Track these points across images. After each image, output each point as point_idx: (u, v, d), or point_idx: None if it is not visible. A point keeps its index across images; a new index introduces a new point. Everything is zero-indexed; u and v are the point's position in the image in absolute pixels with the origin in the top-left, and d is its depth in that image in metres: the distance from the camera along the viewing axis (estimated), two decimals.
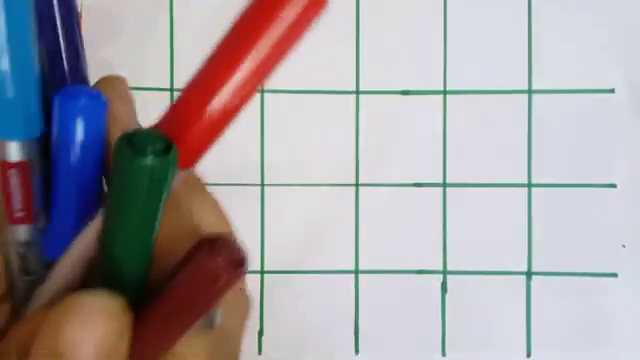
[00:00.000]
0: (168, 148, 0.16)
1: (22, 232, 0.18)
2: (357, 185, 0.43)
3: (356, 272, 0.43)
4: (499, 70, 0.43)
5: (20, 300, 0.20)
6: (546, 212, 0.43)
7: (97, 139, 0.19)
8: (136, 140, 0.15)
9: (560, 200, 0.43)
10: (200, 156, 0.18)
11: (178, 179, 0.18)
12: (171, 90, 0.43)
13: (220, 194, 0.43)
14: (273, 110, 0.43)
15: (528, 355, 0.42)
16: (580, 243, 0.43)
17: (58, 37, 0.20)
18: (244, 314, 0.24)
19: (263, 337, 0.42)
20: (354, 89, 0.43)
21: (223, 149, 0.43)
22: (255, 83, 0.17)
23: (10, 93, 0.15)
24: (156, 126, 0.18)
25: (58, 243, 0.18)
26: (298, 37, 0.18)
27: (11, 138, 0.16)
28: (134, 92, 0.43)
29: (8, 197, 0.17)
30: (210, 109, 0.17)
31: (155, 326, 0.18)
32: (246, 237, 0.35)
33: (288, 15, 0.16)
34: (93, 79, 0.43)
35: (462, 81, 0.43)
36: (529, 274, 0.43)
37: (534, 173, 0.43)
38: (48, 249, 0.19)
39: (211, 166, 0.44)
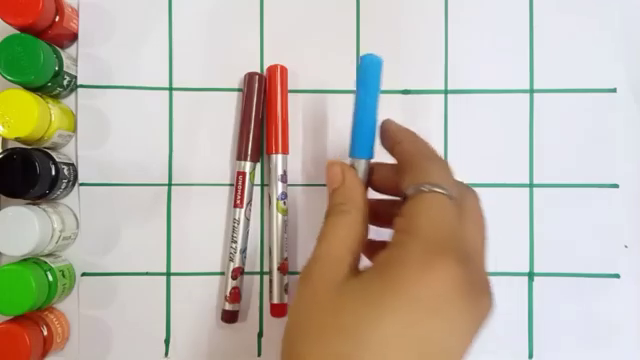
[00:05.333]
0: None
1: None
2: None
3: None
4: (500, 70, 0.43)
5: None
6: (548, 212, 0.42)
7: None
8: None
9: (562, 200, 0.42)
10: None
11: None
12: (170, 89, 0.43)
13: (223, 194, 0.43)
14: None
15: (530, 356, 0.42)
16: (582, 244, 0.42)
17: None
18: (484, 234, 0.31)
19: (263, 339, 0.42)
20: (354, 88, 0.43)
21: (223, 150, 0.43)
22: None
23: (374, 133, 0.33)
24: None
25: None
26: None
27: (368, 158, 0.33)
28: (133, 91, 0.43)
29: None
30: None
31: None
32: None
33: None
34: (92, 77, 0.43)
35: (463, 80, 0.43)
36: (531, 275, 0.42)
37: (536, 173, 0.43)
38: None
39: (211, 166, 0.44)
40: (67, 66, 0.41)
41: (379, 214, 0.32)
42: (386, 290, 0.26)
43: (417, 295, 0.25)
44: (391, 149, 0.32)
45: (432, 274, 0.25)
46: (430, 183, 0.28)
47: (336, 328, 0.26)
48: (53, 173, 0.39)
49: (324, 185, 0.43)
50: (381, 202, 0.33)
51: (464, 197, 0.30)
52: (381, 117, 0.43)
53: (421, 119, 0.43)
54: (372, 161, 0.33)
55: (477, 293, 0.27)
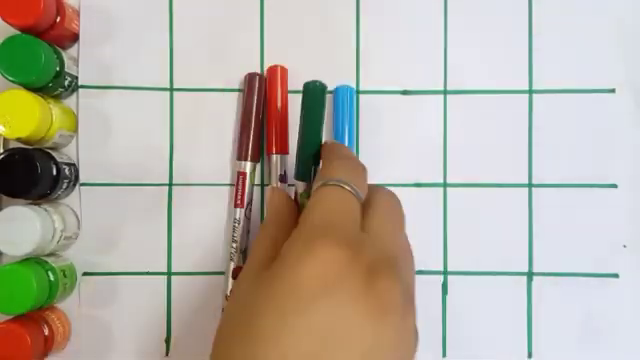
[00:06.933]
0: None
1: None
2: None
3: None
4: (499, 70, 0.43)
5: None
6: (547, 212, 0.43)
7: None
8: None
9: (561, 200, 0.43)
10: None
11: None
12: (170, 90, 0.43)
13: (224, 194, 0.43)
14: None
15: (529, 356, 0.42)
16: (581, 243, 0.42)
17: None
18: (397, 228, 0.31)
19: None
20: (354, 89, 0.43)
21: (223, 150, 0.43)
22: None
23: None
24: None
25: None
26: None
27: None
28: (134, 92, 0.43)
29: None
30: None
31: None
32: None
33: None
34: (93, 77, 0.43)
35: (462, 81, 0.43)
36: (530, 275, 0.43)
37: (535, 173, 0.43)
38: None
39: (212, 166, 0.44)
40: (68, 67, 0.41)
41: None
42: (273, 279, 0.26)
43: (297, 280, 0.25)
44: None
45: (310, 257, 0.25)
46: (334, 179, 0.29)
47: (238, 325, 0.26)
48: (54, 173, 0.39)
49: None
50: None
51: (374, 194, 0.31)
52: (381, 118, 0.44)
53: (420, 119, 0.43)
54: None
55: (374, 277, 0.25)
